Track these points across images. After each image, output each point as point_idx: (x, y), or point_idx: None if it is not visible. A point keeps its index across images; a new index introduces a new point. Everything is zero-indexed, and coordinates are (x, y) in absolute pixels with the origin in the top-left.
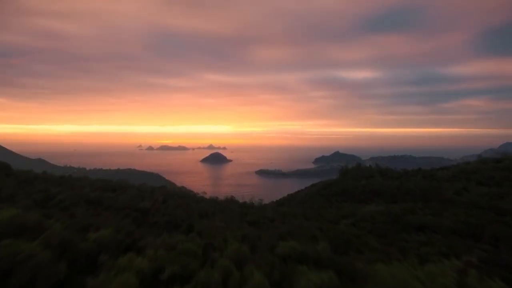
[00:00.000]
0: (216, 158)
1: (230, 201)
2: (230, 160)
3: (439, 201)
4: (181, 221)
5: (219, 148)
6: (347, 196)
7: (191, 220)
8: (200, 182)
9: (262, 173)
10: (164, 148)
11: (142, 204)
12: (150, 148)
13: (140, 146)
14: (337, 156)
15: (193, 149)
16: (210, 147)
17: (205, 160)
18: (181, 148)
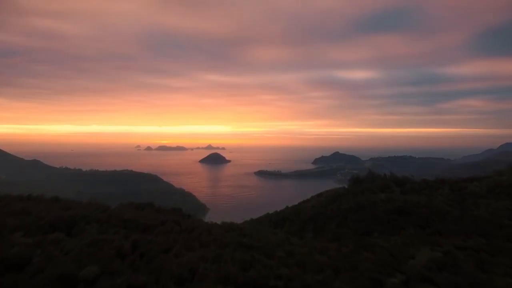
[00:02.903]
0: (215, 159)
1: (229, 229)
2: (229, 161)
3: (502, 235)
4: None
5: (218, 148)
6: (366, 215)
7: None
8: (199, 183)
9: (262, 173)
10: (163, 148)
11: (88, 270)
12: (149, 148)
13: (138, 146)
14: (336, 157)
15: (192, 149)
16: (209, 147)
17: (204, 161)
18: (180, 148)
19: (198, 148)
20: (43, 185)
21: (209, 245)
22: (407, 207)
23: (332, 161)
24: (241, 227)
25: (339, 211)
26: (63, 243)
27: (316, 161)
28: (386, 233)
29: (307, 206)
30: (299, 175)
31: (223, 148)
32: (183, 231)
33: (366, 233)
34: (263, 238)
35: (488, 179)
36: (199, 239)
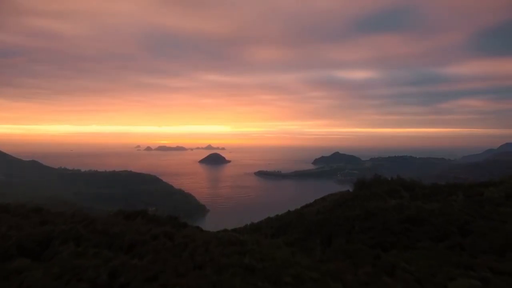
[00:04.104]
0: (215, 159)
1: (227, 243)
2: (229, 161)
3: None
4: None
5: (217, 148)
6: (376, 224)
7: None
8: (199, 184)
9: (261, 174)
10: (163, 148)
11: None
12: (149, 148)
13: (138, 146)
14: (337, 157)
15: (192, 149)
16: (209, 147)
17: (203, 161)
18: (180, 149)
19: (198, 148)
20: (41, 186)
21: (205, 267)
22: (420, 215)
23: (332, 161)
24: (241, 240)
25: (346, 219)
26: (24, 274)
27: (316, 161)
28: (399, 245)
29: (311, 211)
30: (299, 175)
31: (223, 148)
32: (176, 246)
33: (377, 244)
34: (266, 256)
35: (505, 184)
36: (193, 258)
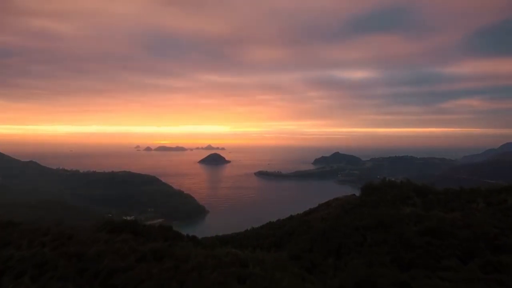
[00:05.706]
0: (215, 159)
1: (225, 265)
2: (229, 161)
3: None
4: None
5: (217, 148)
6: (390, 236)
7: None
8: (198, 185)
9: (262, 174)
10: (162, 148)
11: None
12: (148, 148)
13: (138, 146)
14: (337, 157)
15: (192, 149)
16: (209, 147)
17: (203, 161)
18: (180, 149)
19: (197, 148)
20: (39, 187)
21: None
22: (441, 227)
23: (332, 162)
24: (242, 259)
25: (356, 229)
26: None
27: (316, 161)
28: (420, 263)
29: (315, 218)
30: (300, 175)
31: (223, 149)
32: (164, 272)
33: (394, 261)
34: (272, 284)
35: None
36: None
